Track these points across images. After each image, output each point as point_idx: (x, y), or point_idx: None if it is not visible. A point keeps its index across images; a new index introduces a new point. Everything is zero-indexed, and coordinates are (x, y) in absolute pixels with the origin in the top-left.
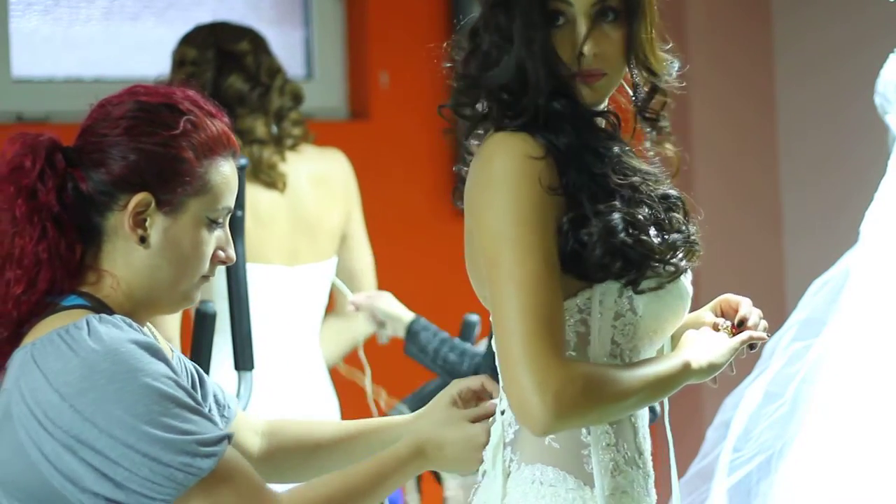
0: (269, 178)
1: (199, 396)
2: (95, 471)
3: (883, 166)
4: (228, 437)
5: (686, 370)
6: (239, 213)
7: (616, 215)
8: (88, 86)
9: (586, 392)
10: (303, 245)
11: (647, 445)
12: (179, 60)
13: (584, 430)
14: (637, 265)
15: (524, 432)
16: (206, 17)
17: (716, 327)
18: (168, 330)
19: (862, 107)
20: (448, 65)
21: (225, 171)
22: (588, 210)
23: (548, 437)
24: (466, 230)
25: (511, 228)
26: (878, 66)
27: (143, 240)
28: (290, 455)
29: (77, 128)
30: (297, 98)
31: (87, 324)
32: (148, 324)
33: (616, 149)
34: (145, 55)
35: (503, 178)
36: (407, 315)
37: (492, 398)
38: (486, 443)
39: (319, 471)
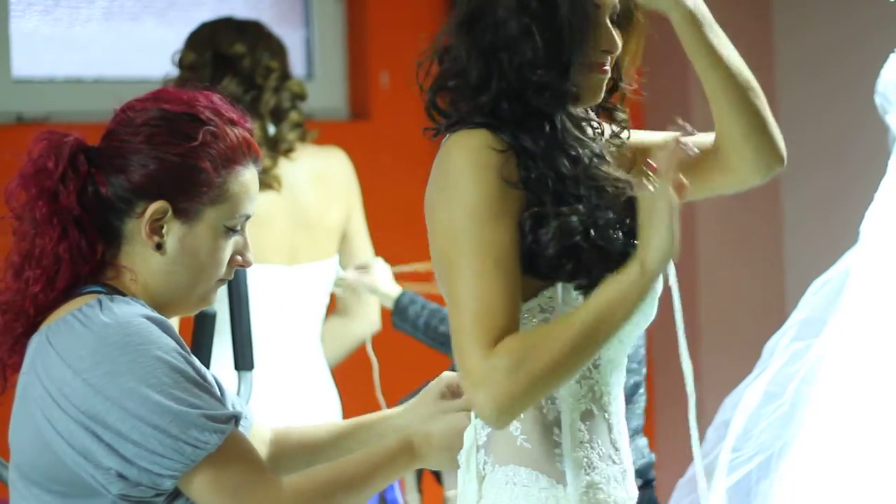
0: (263, 181)
1: (210, 379)
2: (106, 446)
3: (883, 165)
4: (237, 418)
5: (637, 274)
6: None
7: (575, 218)
8: (88, 86)
9: (516, 368)
10: (303, 244)
11: (622, 441)
12: (179, 63)
13: (556, 430)
14: (589, 269)
15: (496, 434)
16: (206, 17)
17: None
18: None
19: (862, 105)
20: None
21: (244, 179)
22: (549, 210)
23: (519, 439)
24: (429, 236)
25: (465, 221)
26: (879, 65)
27: (159, 246)
28: (293, 459)
29: (77, 127)
30: (298, 96)
31: (100, 302)
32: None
33: (591, 153)
34: (145, 55)
35: (459, 171)
36: (394, 290)
37: None
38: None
39: None
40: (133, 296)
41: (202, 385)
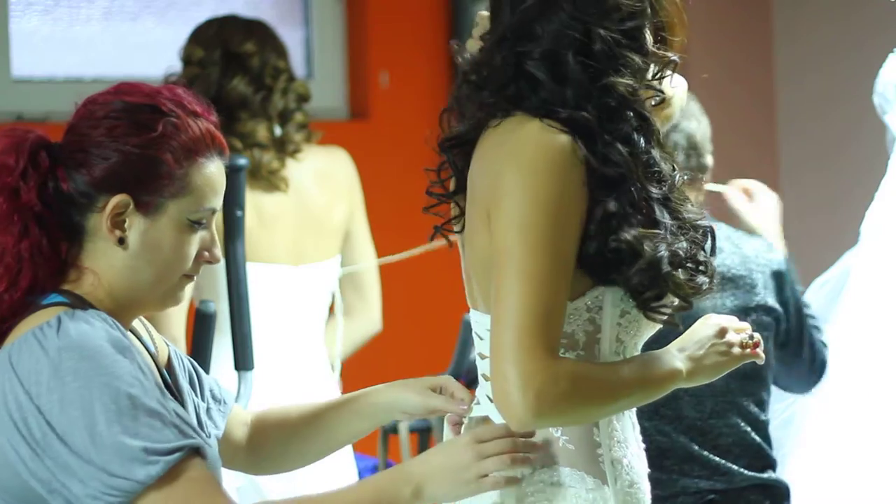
0: (270, 182)
1: (184, 391)
2: (55, 477)
3: (883, 165)
4: (186, 447)
5: (675, 377)
6: (239, 213)
7: (662, 248)
8: (88, 86)
9: (570, 393)
10: (308, 244)
11: (640, 438)
12: (187, 59)
13: (595, 430)
14: (660, 295)
15: (536, 436)
16: (206, 17)
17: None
18: (173, 329)
19: (861, 104)
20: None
21: (208, 171)
22: (629, 234)
23: (561, 440)
24: (470, 212)
25: (532, 218)
26: (878, 64)
27: (121, 241)
28: (270, 440)
29: None
30: (302, 98)
31: (59, 321)
32: (143, 320)
33: (671, 174)
34: (145, 55)
35: (535, 168)
36: None
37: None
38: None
39: (299, 454)
40: (97, 301)
41: (155, 412)
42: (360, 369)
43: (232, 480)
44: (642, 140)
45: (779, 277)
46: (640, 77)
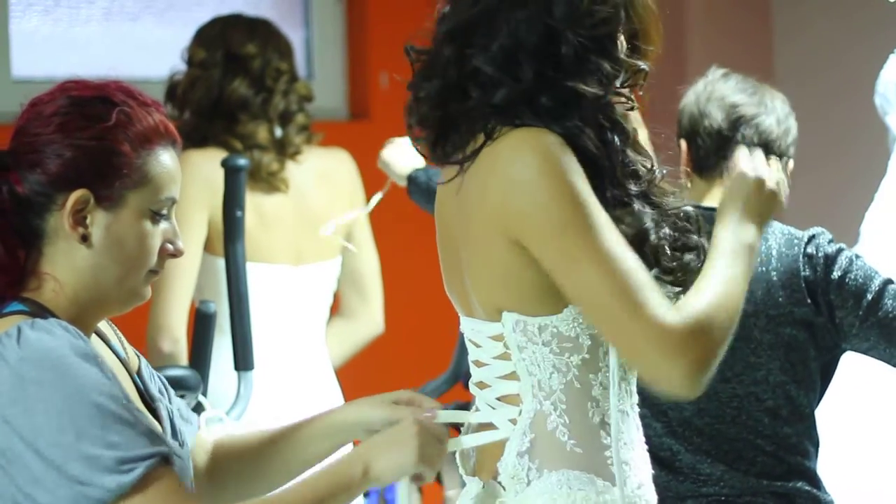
0: (270, 183)
1: (145, 403)
2: (21, 490)
3: (883, 165)
4: (156, 455)
5: (755, 236)
6: (239, 213)
7: (648, 221)
8: None
9: (710, 335)
10: (308, 244)
11: (643, 439)
12: (190, 59)
13: (602, 432)
14: (649, 268)
15: (541, 441)
16: (206, 17)
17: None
18: (175, 329)
19: (862, 104)
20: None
21: (164, 161)
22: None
23: (569, 444)
24: (473, 227)
25: (570, 215)
26: (878, 65)
27: (84, 238)
28: (228, 467)
29: None
30: (305, 98)
31: (19, 331)
32: (114, 327)
33: (647, 168)
34: (145, 55)
35: (552, 170)
36: (406, 169)
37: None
38: (418, 426)
39: (262, 479)
40: (58, 308)
41: (124, 419)
42: (363, 370)
43: None
44: (616, 140)
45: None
46: (608, 84)
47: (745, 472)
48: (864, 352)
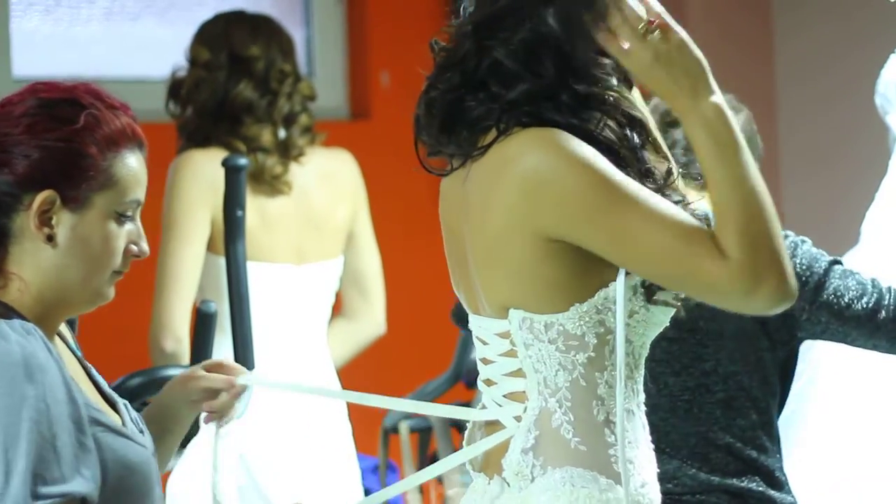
0: (273, 186)
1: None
2: None
3: (883, 165)
4: (71, 497)
5: (714, 110)
6: (239, 212)
7: None
8: None
9: (770, 247)
10: (311, 244)
11: (650, 438)
12: (193, 59)
13: (606, 430)
14: None
15: (545, 437)
16: (207, 17)
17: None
18: (177, 329)
19: (862, 104)
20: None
21: (131, 163)
22: None
23: (573, 441)
24: (485, 232)
25: (609, 188)
26: (878, 65)
27: (50, 238)
28: None
29: None
30: (308, 98)
31: None
32: (70, 325)
33: (663, 172)
34: (145, 55)
35: (570, 158)
36: None
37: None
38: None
39: None
40: (23, 307)
41: (52, 448)
42: (364, 370)
43: (233, 480)
44: (635, 137)
45: None
46: (628, 81)
47: (699, 468)
48: (820, 336)
